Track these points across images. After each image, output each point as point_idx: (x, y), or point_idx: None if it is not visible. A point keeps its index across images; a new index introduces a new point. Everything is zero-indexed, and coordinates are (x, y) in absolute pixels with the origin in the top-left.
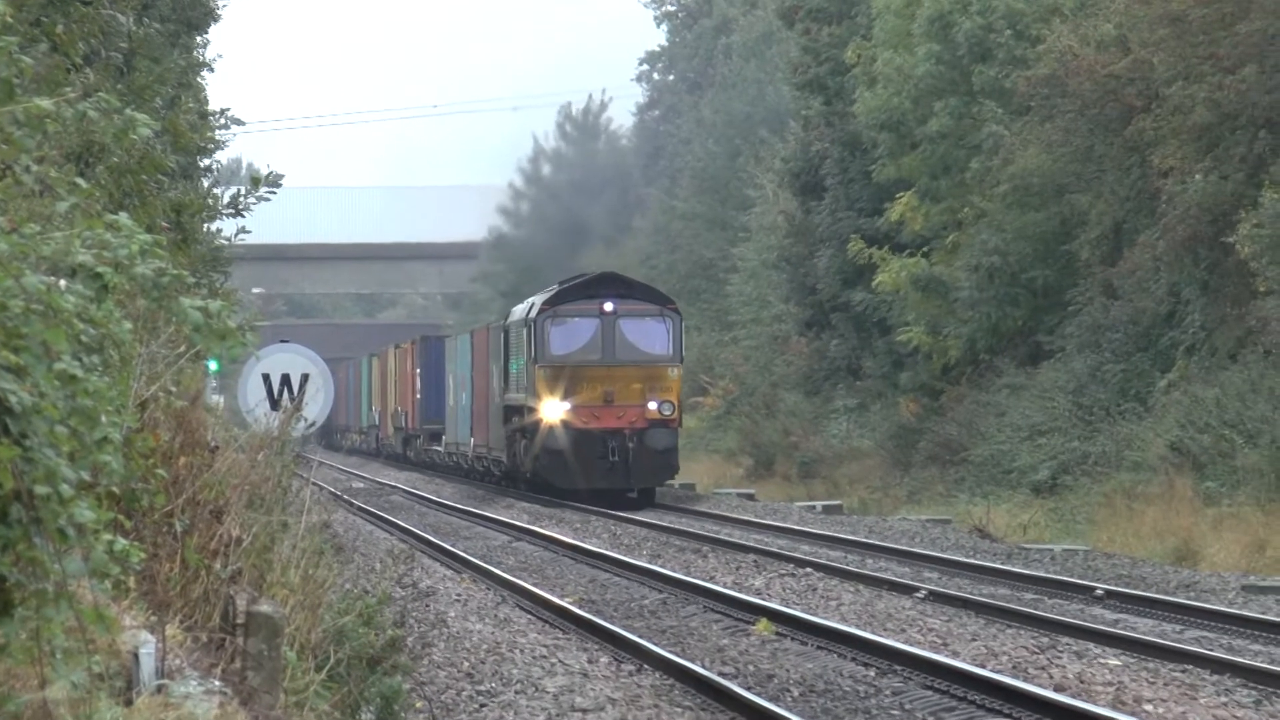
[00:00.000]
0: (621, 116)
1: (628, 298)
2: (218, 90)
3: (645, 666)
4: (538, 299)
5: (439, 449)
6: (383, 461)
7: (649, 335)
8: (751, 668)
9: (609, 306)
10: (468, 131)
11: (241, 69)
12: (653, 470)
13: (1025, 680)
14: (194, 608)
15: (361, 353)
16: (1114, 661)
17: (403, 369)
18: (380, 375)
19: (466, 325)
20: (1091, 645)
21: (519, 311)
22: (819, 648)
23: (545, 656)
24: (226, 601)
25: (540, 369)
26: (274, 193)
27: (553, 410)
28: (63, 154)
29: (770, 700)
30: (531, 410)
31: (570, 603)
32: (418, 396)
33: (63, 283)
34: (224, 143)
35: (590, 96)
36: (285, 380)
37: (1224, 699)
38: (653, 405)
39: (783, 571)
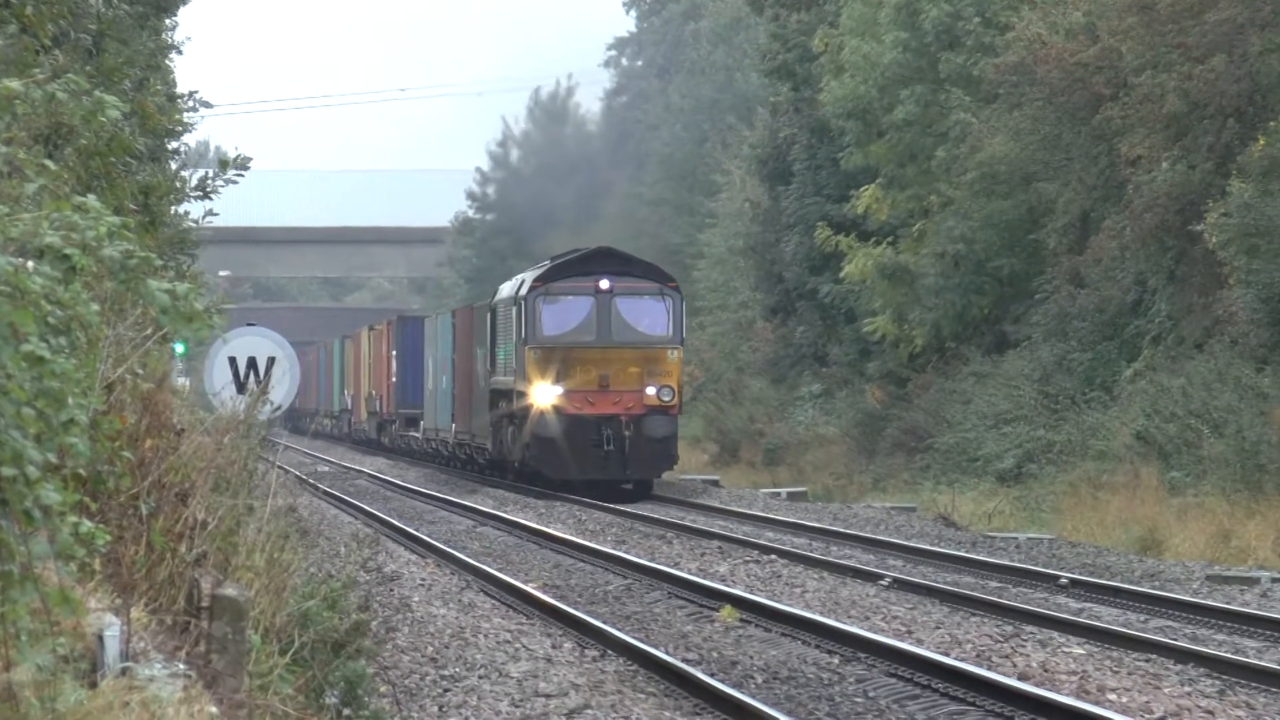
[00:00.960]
0: (589, 102)
1: (625, 274)
2: (186, 73)
3: (609, 652)
4: (528, 275)
5: (416, 435)
6: (349, 446)
7: (647, 315)
8: (715, 654)
9: (605, 284)
10: (435, 116)
11: (210, 51)
12: (650, 460)
13: (989, 668)
14: (159, 591)
15: (328, 336)
16: (1078, 650)
17: (377, 351)
18: (353, 357)
19: (432, 309)
20: (1055, 634)
21: (507, 289)
22: (783, 635)
23: (509, 641)
24: (191, 585)
25: (531, 351)
26: (242, 176)
27: (544, 395)
28: (31, 135)
29: (734, 687)
30: (521, 395)
31: (534, 588)
32: (393, 380)
33: (30, 264)
34: (192, 125)
35: (558, 82)
36: (251, 363)
37: (1188, 688)
38: (651, 390)
39: (747, 558)
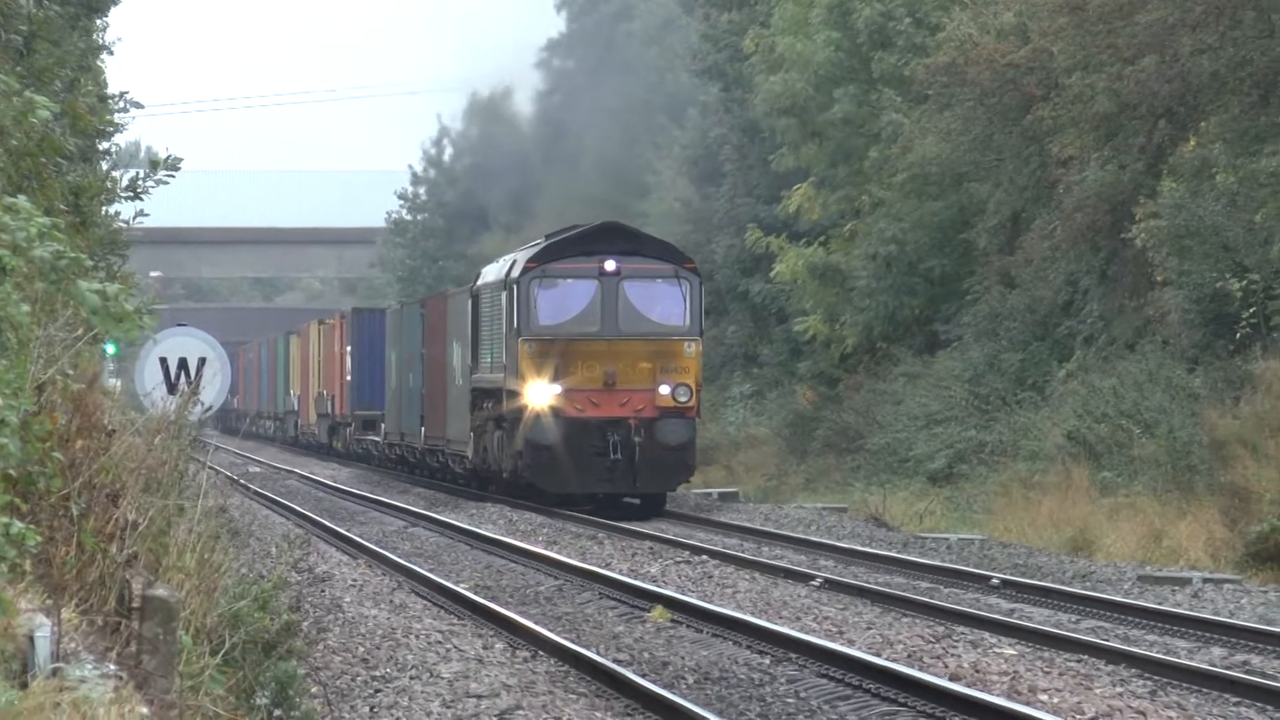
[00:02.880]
0: (522, 102)
1: (634, 254)
2: (117, 73)
3: (540, 653)
4: (519, 255)
5: (375, 439)
6: (280, 447)
7: (661, 301)
8: (646, 655)
9: (611, 265)
10: (367, 117)
11: (141, 52)
12: (664, 471)
13: (920, 669)
14: (90, 591)
15: (259, 336)
16: (1009, 651)
17: (329, 348)
18: (300, 355)
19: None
20: (987, 634)
21: (493, 272)
22: (714, 635)
23: (440, 642)
24: (122, 585)
25: (524, 343)
26: (173, 176)
27: (539, 395)
28: None
29: (665, 687)
30: (512, 395)
31: (466, 588)
32: (348, 378)
33: None
34: (123, 126)
35: (492, 83)
36: (183, 364)
37: (1119, 689)
38: (665, 389)
39: (678, 559)
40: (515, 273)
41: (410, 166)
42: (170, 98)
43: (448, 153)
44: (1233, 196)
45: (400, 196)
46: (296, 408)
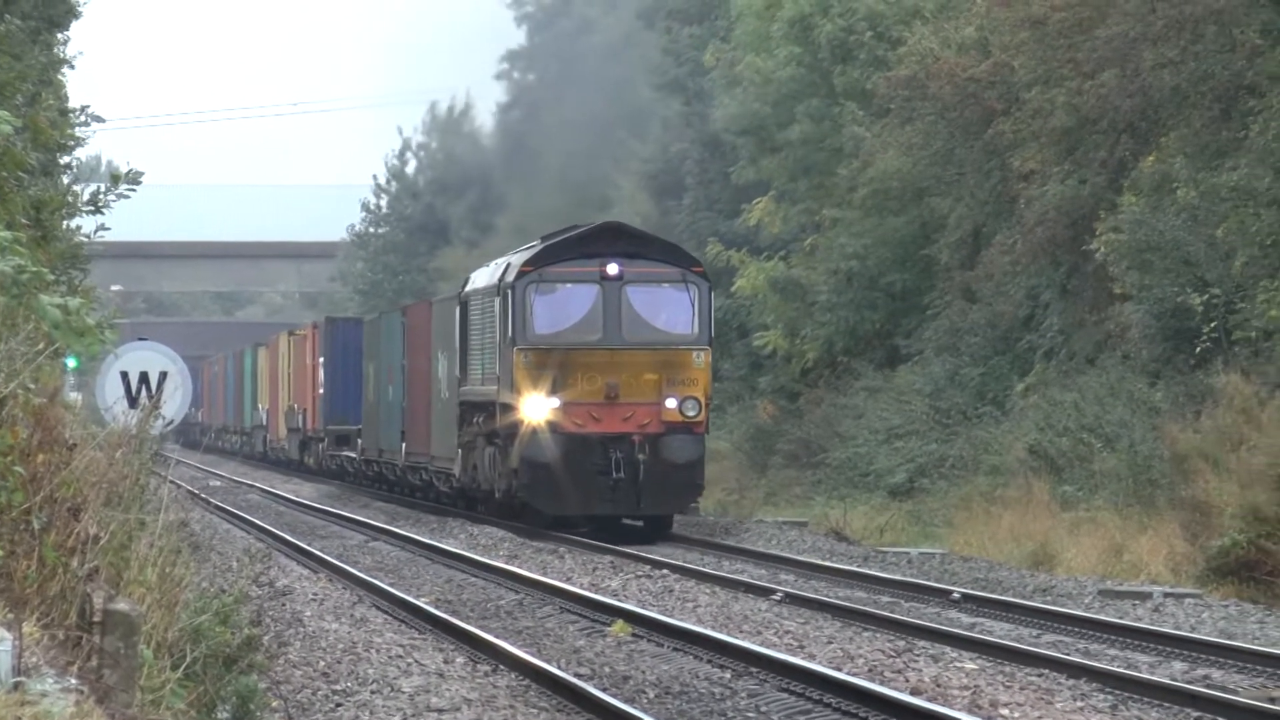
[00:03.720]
0: (483, 116)
1: (638, 257)
2: (78, 87)
3: (501, 667)
4: (514, 258)
5: (351, 455)
6: (242, 461)
7: (667, 308)
8: (607, 669)
9: (613, 269)
10: (329, 130)
11: (103, 66)
12: (670, 491)
13: (881, 683)
14: (51, 605)
15: (220, 350)
16: (970, 665)
17: (299, 360)
18: (270, 367)
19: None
20: (948, 649)
21: (484, 277)
22: (675, 649)
23: (401, 656)
24: (84, 599)
25: (520, 353)
26: (134, 190)
27: (536, 409)
28: None
29: (626, 702)
30: (506, 409)
31: (427, 602)
32: (320, 391)
33: None
34: (84, 140)
35: (453, 95)
36: (144, 378)
37: (1080, 703)
38: (672, 403)
39: (639, 573)
40: (510, 277)
41: (375, 178)
42: (131, 112)
43: (410, 166)
44: (1194, 211)
45: (364, 208)
46: (265, 422)
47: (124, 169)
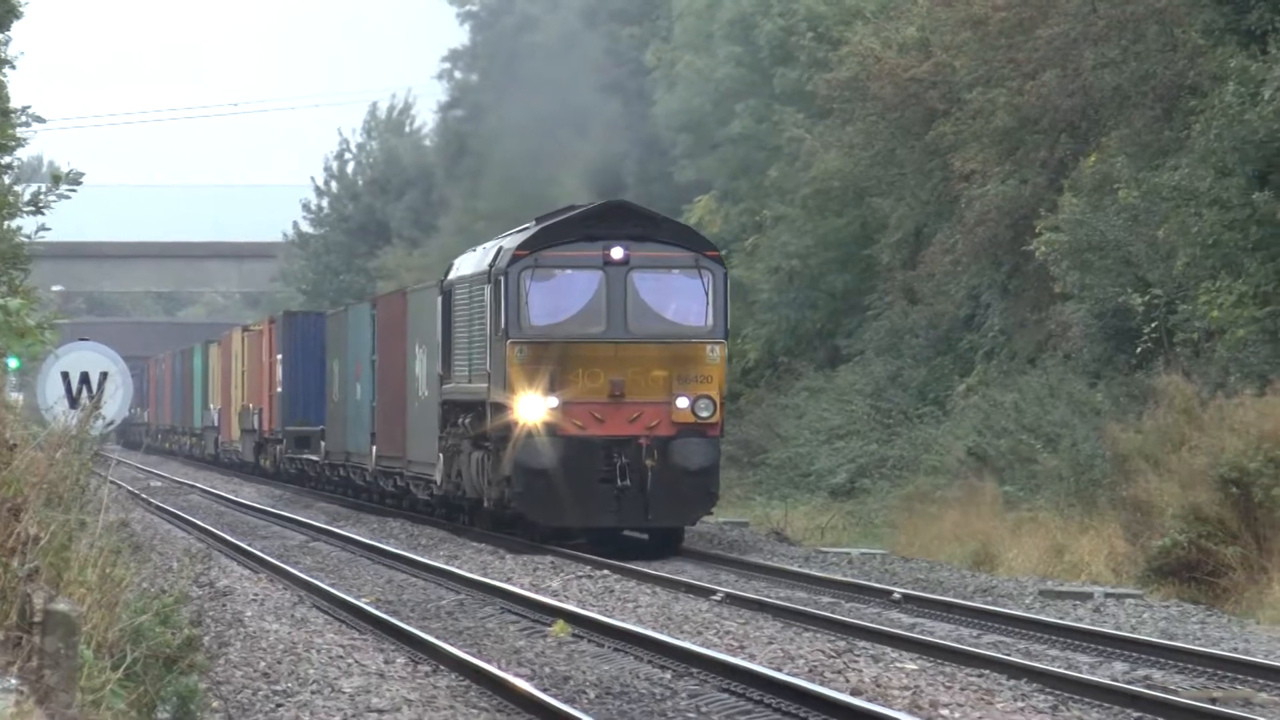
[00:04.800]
0: (424, 115)
1: (646, 239)
2: (19, 87)
3: (441, 667)
4: (507, 242)
5: (313, 458)
6: (184, 461)
7: (678, 296)
8: (548, 669)
9: (618, 253)
10: (269, 130)
11: (44, 66)
12: (682, 501)
13: (822, 684)
14: None
15: (161, 350)
16: (911, 665)
17: (255, 357)
18: (222, 366)
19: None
20: (889, 649)
21: (470, 263)
22: (615, 650)
23: (342, 656)
24: (23, 600)
25: (514, 347)
26: (75, 190)
27: (532, 409)
28: None
29: (566, 702)
30: (499, 409)
31: (367, 603)
32: (278, 390)
33: None
34: (25, 140)
35: (394, 95)
36: (84, 378)
37: (1020, 704)
38: (683, 403)
39: (580, 573)
40: (502, 262)
41: (313, 179)
42: (73, 112)
43: (350, 166)
44: (1135, 211)
45: (305, 208)
46: (217, 423)
47: (65, 169)
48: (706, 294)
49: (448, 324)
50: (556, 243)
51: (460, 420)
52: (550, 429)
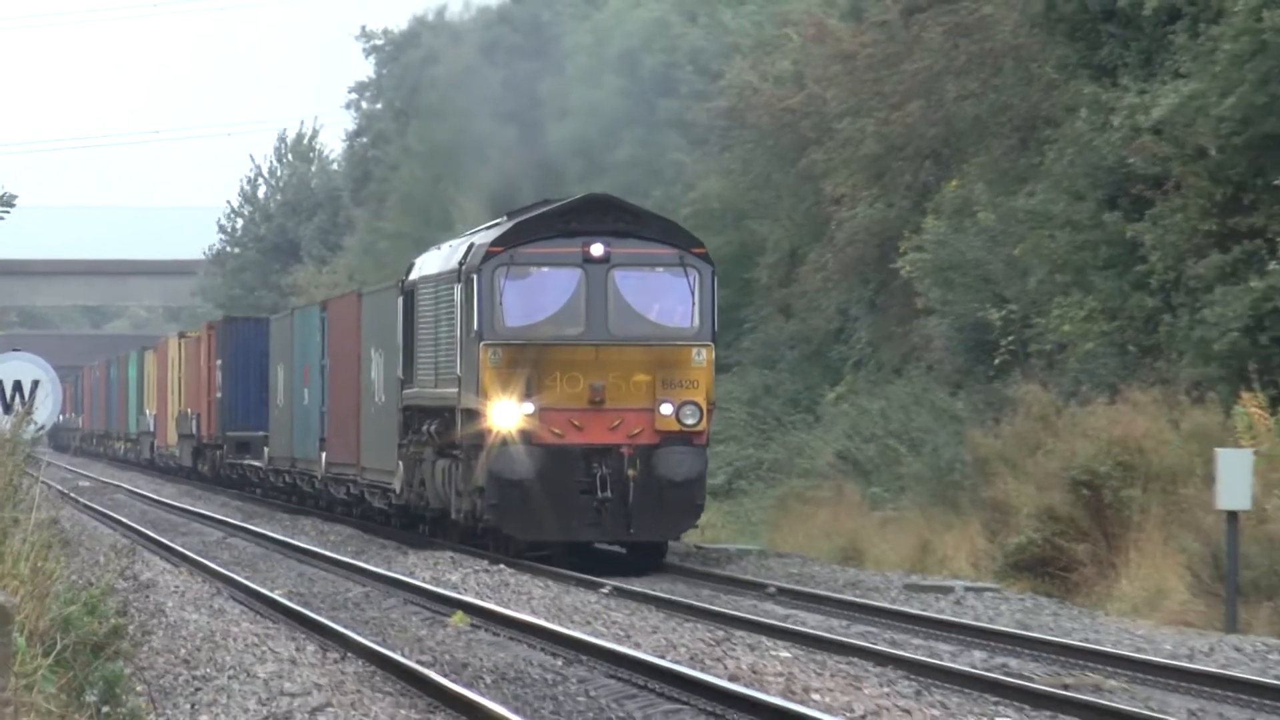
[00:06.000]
0: (332, 142)
1: (629, 235)
2: None
3: (349, 654)
4: (478, 238)
5: (255, 463)
6: (109, 463)
7: (662, 296)
8: (448, 657)
9: (598, 249)
10: (188, 155)
11: None
12: (666, 513)
13: (702, 670)
14: None
15: (90, 360)
16: (784, 654)
17: (193, 363)
18: (157, 372)
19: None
20: (764, 638)
21: (435, 262)
22: (510, 639)
23: (257, 644)
24: None
25: (488, 350)
26: (8, 211)
27: (506, 416)
28: None
29: (465, 687)
30: (470, 416)
31: (280, 595)
32: (218, 395)
33: None
34: None
35: (303, 123)
36: (17, 386)
37: (886, 689)
38: (667, 409)
39: (477, 568)
40: (475, 260)
41: (229, 202)
42: (5, 136)
43: (261, 190)
44: (992, 232)
45: (220, 229)
46: (153, 428)
47: None
48: (692, 294)
49: (410, 326)
50: (533, 239)
51: (424, 427)
52: (526, 437)
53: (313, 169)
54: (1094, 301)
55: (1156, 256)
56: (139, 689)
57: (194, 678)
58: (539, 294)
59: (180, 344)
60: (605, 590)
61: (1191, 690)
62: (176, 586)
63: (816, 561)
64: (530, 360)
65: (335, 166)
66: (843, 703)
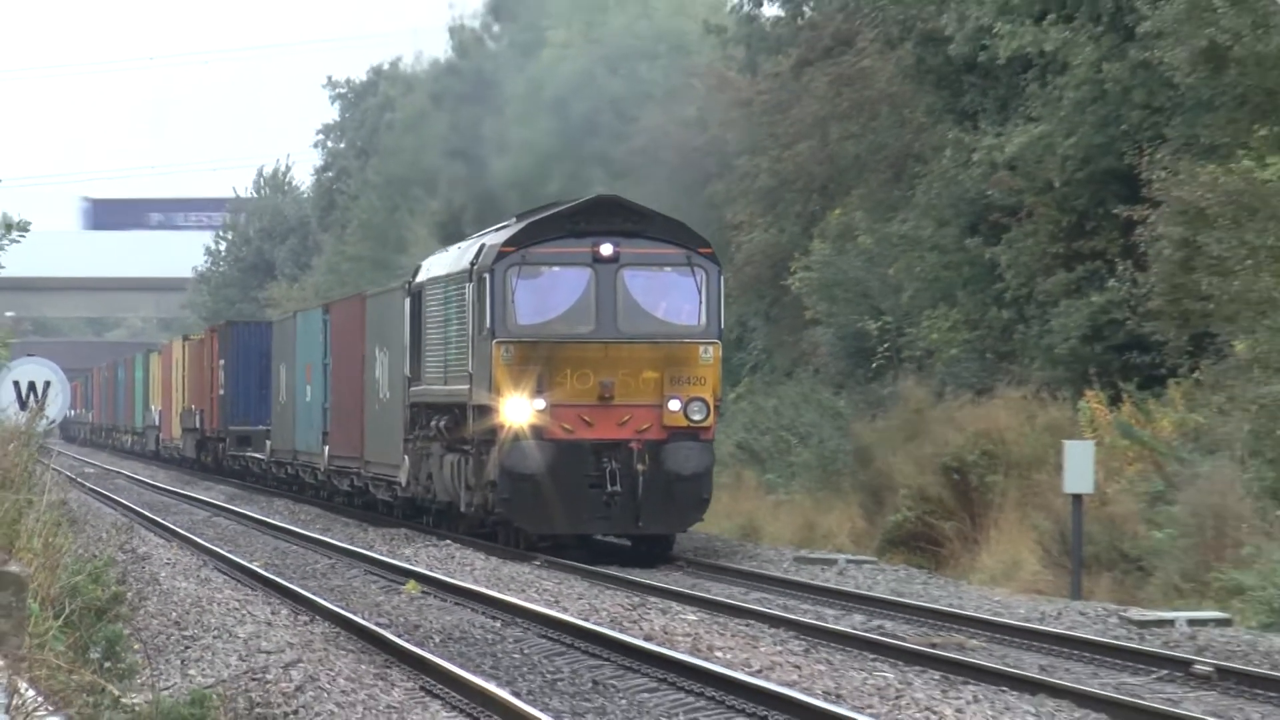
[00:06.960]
0: (303, 176)
1: (637, 235)
2: None
3: (317, 617)
4: (490, 239)
5: (258, 455)
6: (111, 453)
7: (670, 294)
8: (402, 619)
9: (607, 249)
10: (178, 187)
11: None
12: (674, 507)
13: (621, 631)
14: None
15: (94, 364)
16: (691, 617)
17: (197, 362)
18: (162, 372)
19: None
20: (674, 604)
21: (444, 263)
22: (456, 604)
23: (237, 609)
24: None
25: (501, 347)
26: (24, 235)
27: (518, 412)
28: None
29: (416, 645)
30: (483, 412)
31: (258, 566)
32: (221, 392)
33: None
34: None
35: (278, 160)
36: (32, 386)
37: (779, 647)
38: (675, 405)
39: (428, 544)
40: (487, 260)
41: (216, 230)
42: (17, 172)
43: (241, 217)
44: (871, 254)
45: (206, 251)
46: (158, 422)
47: (15, 219)
48: (699, 292)
49: (417, 325)
50: (543, 239)
51: (433, 422)
52: (537, 432)
53: (285, 199)
54: (958, 314)
55: (1011, 275)
56: (136, 647)
57: (183, 637)
58: (550, 293)
59: (184, 346)
60: (537, 562)
61: (1042, 649)
62: (168, 559)
63: (719, 538)
64: (541, 357)
65: (305, 196)
66: (742, 659)
